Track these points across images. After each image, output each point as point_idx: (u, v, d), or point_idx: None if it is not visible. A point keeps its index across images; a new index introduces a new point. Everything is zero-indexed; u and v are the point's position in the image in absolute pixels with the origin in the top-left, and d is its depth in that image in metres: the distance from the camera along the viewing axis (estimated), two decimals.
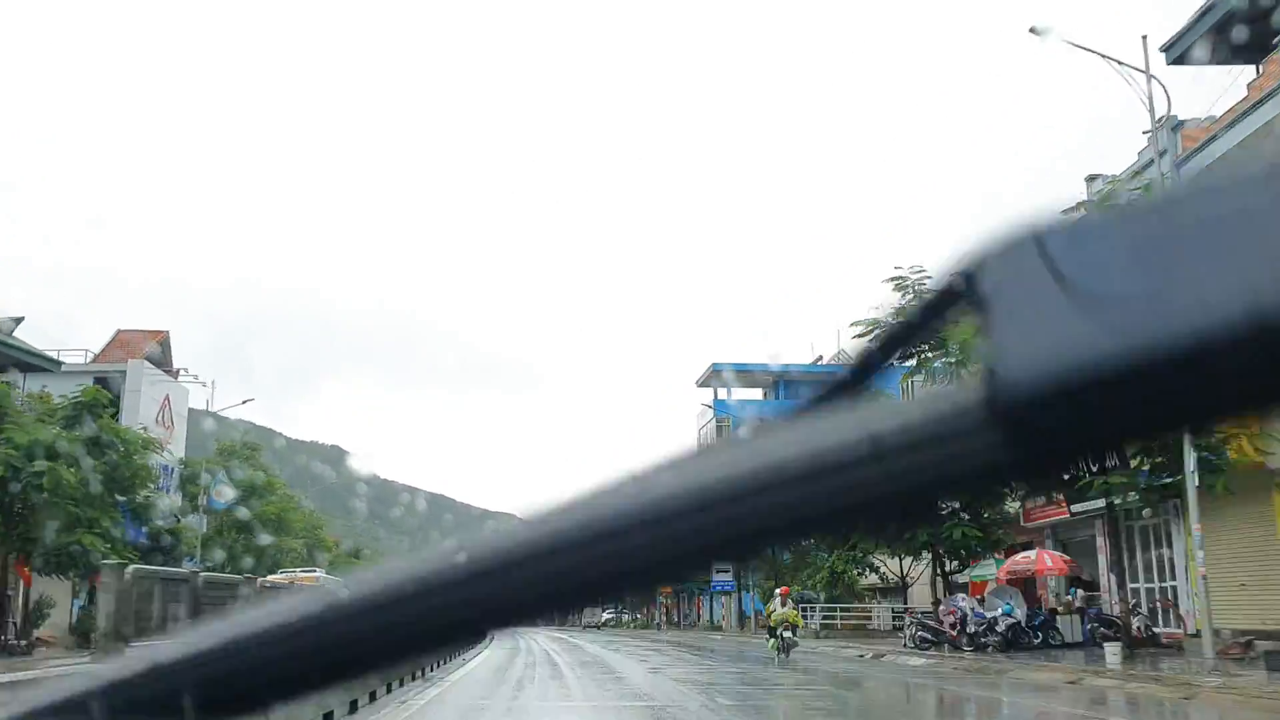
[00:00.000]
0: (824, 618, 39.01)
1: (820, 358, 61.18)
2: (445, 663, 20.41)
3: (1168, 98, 20.82)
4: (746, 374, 65.96)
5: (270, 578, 30.58)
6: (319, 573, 35.48)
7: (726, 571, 44.19)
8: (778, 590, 27.45)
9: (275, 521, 47.82)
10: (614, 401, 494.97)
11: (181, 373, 46.37)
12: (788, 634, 24.63)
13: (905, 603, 36.73)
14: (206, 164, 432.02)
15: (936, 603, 28.65)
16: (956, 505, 25.28)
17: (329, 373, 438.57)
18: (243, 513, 42.45)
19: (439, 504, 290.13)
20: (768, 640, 25.89)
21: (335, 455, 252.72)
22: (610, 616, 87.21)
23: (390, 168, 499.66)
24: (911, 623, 27.50)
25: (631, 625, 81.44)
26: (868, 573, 37.00)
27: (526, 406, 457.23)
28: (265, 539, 44.21)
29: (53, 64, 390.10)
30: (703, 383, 69.81)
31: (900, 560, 34.88)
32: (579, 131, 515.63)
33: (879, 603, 41.57)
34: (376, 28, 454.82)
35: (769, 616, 26.57)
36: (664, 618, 78.95)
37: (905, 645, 27.03)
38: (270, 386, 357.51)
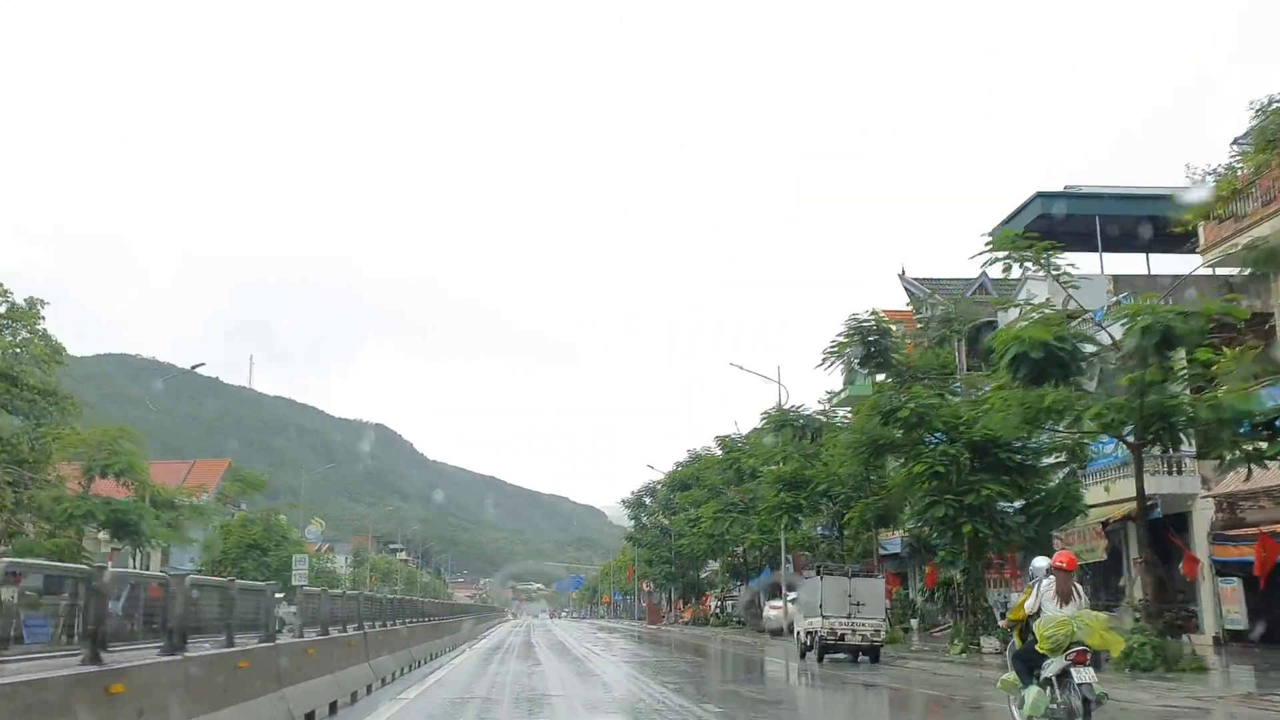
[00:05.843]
0: None
1: None
2: None
3: None
4: None
5: None
6: None
7: None
8: (1045, 566, 10.38)
9: None
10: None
11: None
12: (1084, 673, 9.48)
13: None
14: (224, 137, 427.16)
15: None
16: None
17: (363, 346, 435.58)
18: None
19: (488, 486, 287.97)
20: (1010, 686, 10.60)
21: (380, 434, 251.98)
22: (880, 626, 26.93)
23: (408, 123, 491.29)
24: None
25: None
26: None
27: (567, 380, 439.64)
28: None
29: (59, 14, 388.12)
30: None
31: None
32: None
33: None
34: None
35: (1013, 627, 10.82)
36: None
37: None
38: (304, 361, 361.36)
